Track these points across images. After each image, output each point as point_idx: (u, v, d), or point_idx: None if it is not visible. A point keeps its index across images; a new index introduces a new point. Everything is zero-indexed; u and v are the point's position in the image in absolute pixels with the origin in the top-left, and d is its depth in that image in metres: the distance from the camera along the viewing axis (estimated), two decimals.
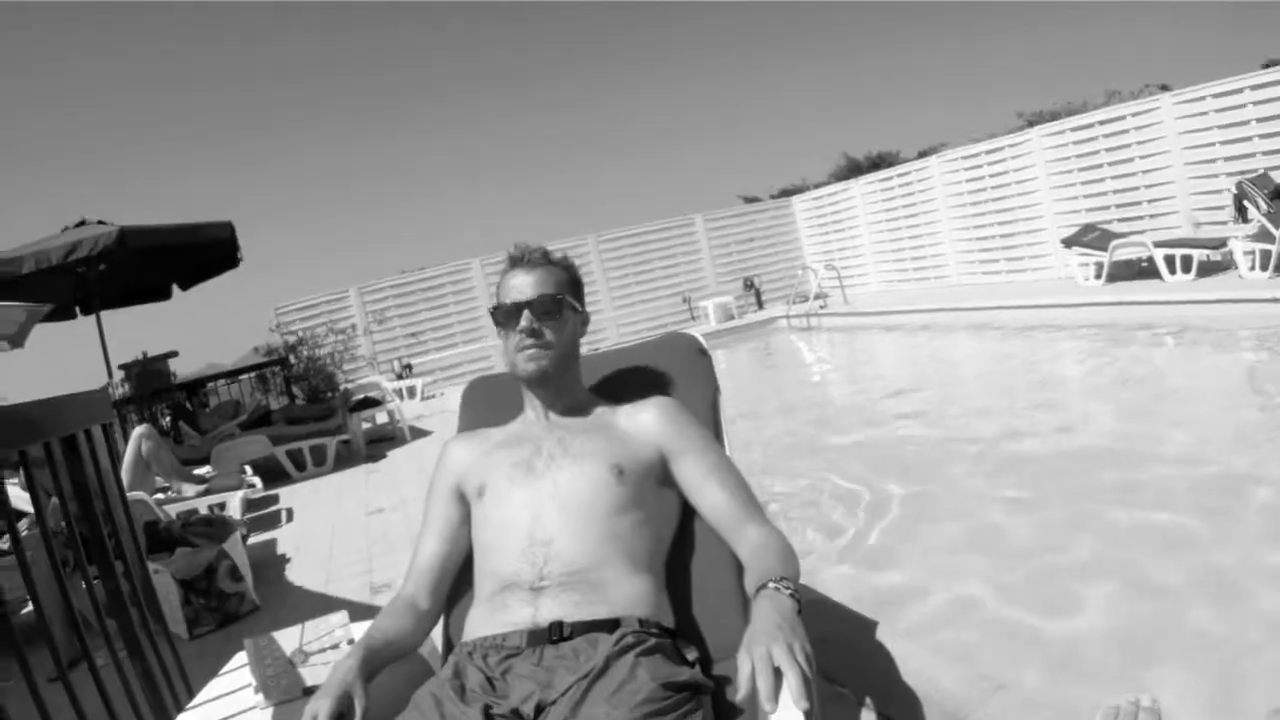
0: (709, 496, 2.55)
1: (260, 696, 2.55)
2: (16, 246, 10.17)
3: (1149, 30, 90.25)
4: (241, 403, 14.44)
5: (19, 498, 6.08)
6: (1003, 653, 4.26)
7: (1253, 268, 11.75)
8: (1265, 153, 13.17)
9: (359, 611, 2.97)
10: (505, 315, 2.64)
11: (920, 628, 4.64)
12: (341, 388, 14.83)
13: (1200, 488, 5.99)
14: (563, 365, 2.67)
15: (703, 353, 3.12)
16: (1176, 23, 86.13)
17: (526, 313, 2.59)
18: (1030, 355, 12.40)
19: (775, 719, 1.77)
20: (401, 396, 16.99)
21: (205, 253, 12.40)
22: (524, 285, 2.63)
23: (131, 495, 6.90)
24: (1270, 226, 11.41)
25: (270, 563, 7.32)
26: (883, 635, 3.38)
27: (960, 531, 5.93)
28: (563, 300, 2.65)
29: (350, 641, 2.62)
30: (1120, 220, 15.45)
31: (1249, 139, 13.45)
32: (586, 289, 2.88)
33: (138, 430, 8.71)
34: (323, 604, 5.94)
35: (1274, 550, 4.82)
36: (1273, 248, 11.32)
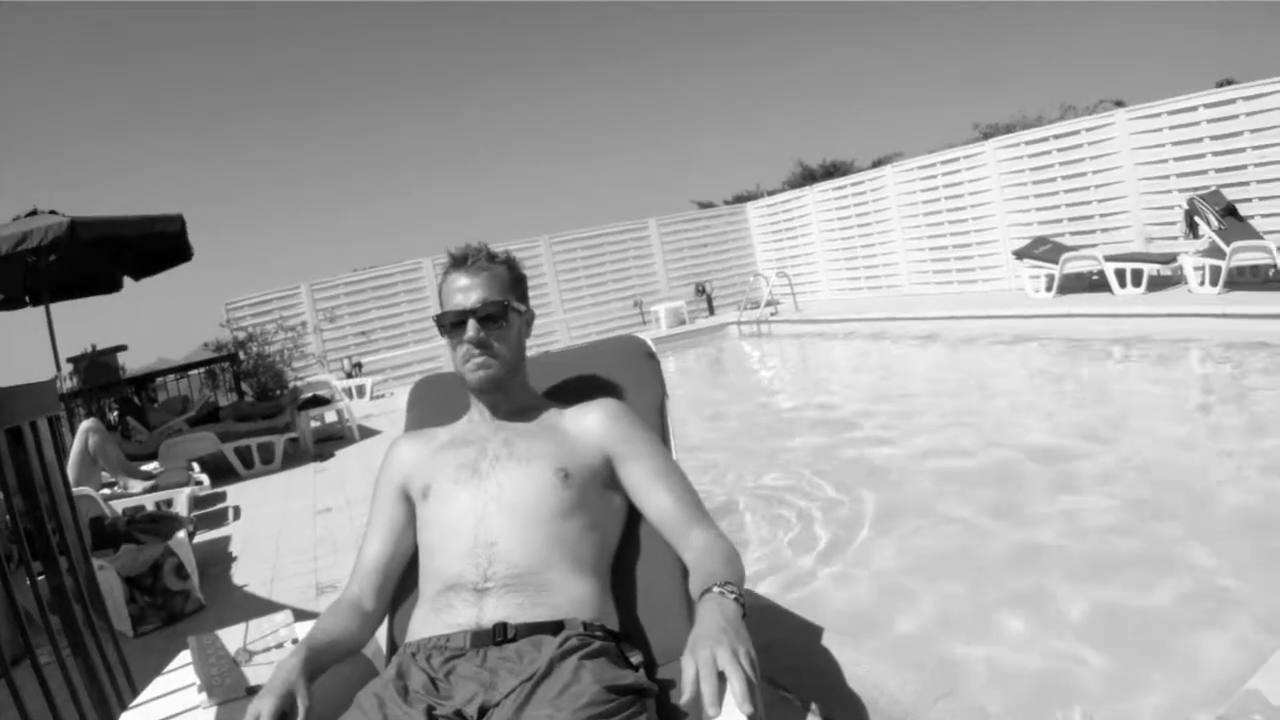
0: (654, 500, 2.55)
1: (204, 695, 2.54)
2: None
3: (1105, 46, 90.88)
4: (190, 398, 14.36)
5: None
6: (948, 660, 4.29)
7: (1203, 283, 11.89)
8: (1217, 170, 13.36)
9: (304, 611, 2.96)
10: (450, 324, 2.61)
11: (866, 634, 4.67)
12: (290, 385, 14.76)
13: (1147, 500, 6.06)
14: (510, 371, 2.67)
15: (651, 356, 3.13)
16: (1133, 38, 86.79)
17: (472, 322, 2.57)
18: (979, 366, 12.51)
19: None
20: (351, 395, 16.94)
21: (156, 245, 12.30)
22: (467, 291, 2.60)
23: (77, 490, 6.86)
24: (1221, 243, 11.55)
25: (216, 561, 7.27)
26: (828, 641, 3.40)
27: (908, 540, 5.97)
28: (508, 306, 2.63)
29: (294, 641, 2.61)
30: (1072, 234, 15.62)
31: (1202, 156, 13.64)
32: (538, 291, 2.87)
33: (85, 424, 8.65)
34: (268, 603, 5.92)
35: (1223, 559, 4.88)
36: (1223, 264, 11.45)
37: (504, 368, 2.63)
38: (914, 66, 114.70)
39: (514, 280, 2.71)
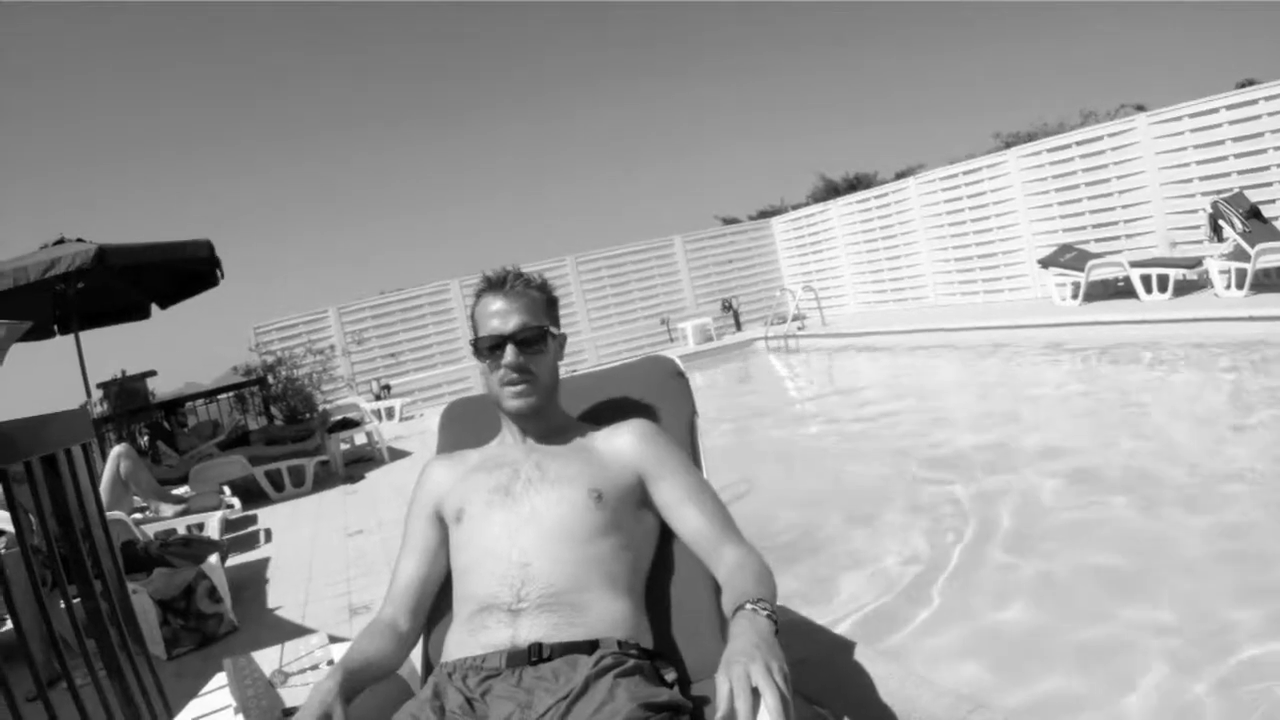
0: (687, 519, 2.55)
1: (240, 717, 2.55)
2: None
3: (1125, 51, 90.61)
4: (220, 423, 14.42)
5: None
6: (982, 673, 4.27)
7: (1229, 286, 11.85)
8: (1240, 172, 13.32)
9: (338, 633, 2.97)
10: (489, 348, 2.61)
11: (899, 648, 4.65)
12: (320, 408, 14.80)
13: (1183, 506, 6.02)
14: (549, 396, 2.68)
15: (679, 375, 3.13)
16: (1152, 42, 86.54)
17: (511, 347, 2.57)
18: (1008, 376, 12.44)
19: None
20: (380, 417, 16.97)
21: (184, 271, 12.36)
22: (505, 315, 2.60)
23: (110, 515, 6.88)
24: (1245, 245, 11.51)
25: (249, 583, 7.29)
26: (861, 656, 3.39)
27: (939, 553, 5.95)
28: (546, 330, 2.64)
29: (330, 662, 2.62)
30: (1097, 240, 15.57)
31: (1224, 159, 13.60)
32: (565, 311, 2.88)
33: (116, 449, 8.68)
34: (301, 625, 5.93)
35: (1260, 574, 4.86)
36: (1248, 266, 11.42)
37: (543, 393, 2.64)
38: (934, 78, 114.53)
39: (548, 303, 2.72)
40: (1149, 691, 3.87)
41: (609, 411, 2.92)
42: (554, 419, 2.76)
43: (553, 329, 2.70)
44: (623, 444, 2.63)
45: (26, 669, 2.96)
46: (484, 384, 2.70)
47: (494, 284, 2.67)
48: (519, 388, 2.60)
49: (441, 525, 2.69)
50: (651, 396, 3.02)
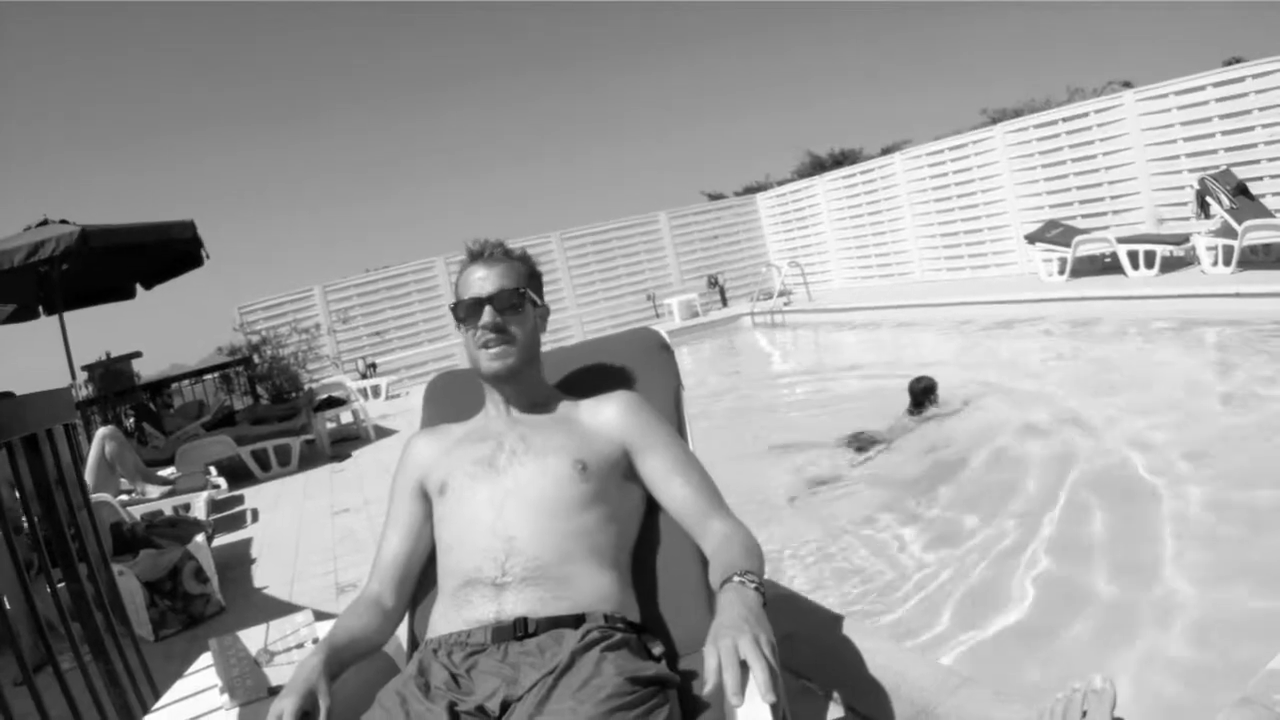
0: (673, 491, 2.54)
1: (226, 697, 2.54)
2: None
3: (1112, 27, 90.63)
4: (206, 403, 14.38)
5: None
6: (970, 645, 4.28)
7: (1215, 263, 11.86)
8: (1227, 149, 13.32)
9: (325, 611, 2.96)
10: (466, 311, 2.59)
11: (886, 622, 4.66)
12: (306, 387, 14.78)
13: (1166, 481, 6.03)
14: (527, 360, 2.65)
15: (665, 347, 3.12)
16: (1139, 18, 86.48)
17: (489, 308, 2.55)
18: (994, 352, 12.46)
19: (742, 712, 1.77)
20: (366, 396, 16.96)
21: (168, 251, 12.31)
22: (484, 280, 2.59)
23: (95, 497, 6.86)
24: (1232, 222, 11.51)
25: (235, 563, 7.29)
26: (849, 630, 3.39)
27: (924, 526, 5.96)
28: (525, 294, 2.62)
29: (315, 640, 2.61)
30: (1084, 216, 15.57)
31: (1211, 135, 13.59)
32: (551, 287, 2.85)
33: (101, 431, 8.65)
34: (288, 604, 5.93)
35: (1243, 545, 4.88)
36: (1235, 243, 11.42)
37: (520, 355, 2.61)
38: (921, 53, 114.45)
39: (530, 274, 2.70)
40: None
41: (594, 383, 2.91)
42: (537, 391, 2.75)
43: (534, 296, 2.68)
44: (608, 416, 2.62)
45: (12, 654, 2.94)
46: (466, 354, 2.69)
47: (475, 254, 2.67)
48: (496, 349, 2.57)
49: (426, 500, 2.68)
50: (637, 368, 3.01)
